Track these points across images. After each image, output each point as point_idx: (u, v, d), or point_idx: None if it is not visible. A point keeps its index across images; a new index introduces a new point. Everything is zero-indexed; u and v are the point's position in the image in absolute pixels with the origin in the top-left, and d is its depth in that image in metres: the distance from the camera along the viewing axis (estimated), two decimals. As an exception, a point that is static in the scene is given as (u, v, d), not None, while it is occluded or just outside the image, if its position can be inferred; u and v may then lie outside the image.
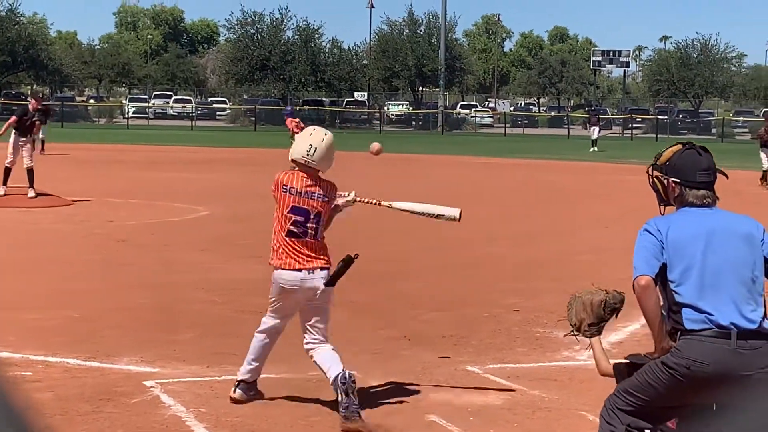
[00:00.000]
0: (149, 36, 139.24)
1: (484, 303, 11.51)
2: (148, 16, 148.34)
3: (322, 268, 7.29)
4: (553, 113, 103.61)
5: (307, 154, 7.27)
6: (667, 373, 5.22)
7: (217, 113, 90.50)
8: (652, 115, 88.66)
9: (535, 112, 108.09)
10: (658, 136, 75.69)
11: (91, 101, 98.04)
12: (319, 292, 7.29)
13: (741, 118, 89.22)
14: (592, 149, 52.19)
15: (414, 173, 34.24)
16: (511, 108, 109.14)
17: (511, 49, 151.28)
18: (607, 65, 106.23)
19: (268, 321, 7.62)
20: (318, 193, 7.31)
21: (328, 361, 7.24)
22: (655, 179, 5.63)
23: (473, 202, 24.18)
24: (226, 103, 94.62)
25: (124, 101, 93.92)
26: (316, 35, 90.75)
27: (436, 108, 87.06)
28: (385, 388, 7.96)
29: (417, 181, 31.07)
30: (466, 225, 18.84)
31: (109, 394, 7.63)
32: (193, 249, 15.44)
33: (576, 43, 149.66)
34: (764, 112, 43.22)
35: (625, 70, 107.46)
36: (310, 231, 7.27)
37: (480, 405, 7.58)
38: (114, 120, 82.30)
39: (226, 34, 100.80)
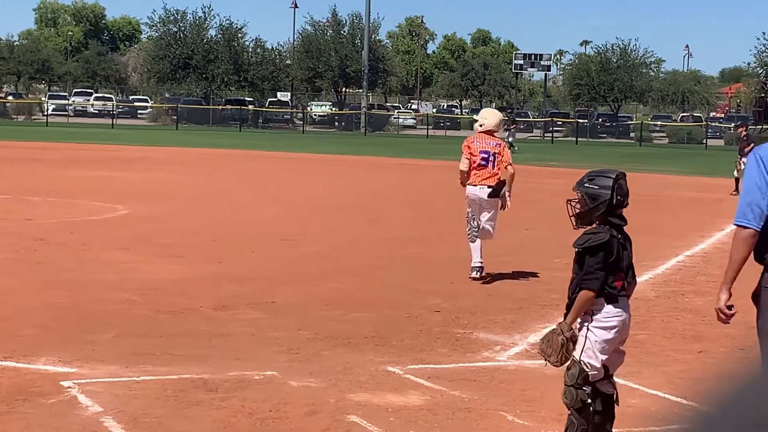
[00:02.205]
0: (70, 33, 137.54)
1: (405, 304, 11.55)
2: (69, 13, 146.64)
3: (488, 186, 12.96)
4: (475, 116, 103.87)
5: (497, 126, 13.41)
6: None
7: (139, 112, 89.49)
8: (572, 118, 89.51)
9: (457, 114, 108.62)
10: (578, 139, 76.59)
11: (10, 98, 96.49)
12: (484, 200, 12.99)
13: (659, 123, 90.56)
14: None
15: (335, 174, 34.23)
16: (434, 110, 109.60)
17: (434, 51, 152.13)
18: (528, 69, 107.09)
19: (469, 223, 13.19)
20: (494, 143, 13.07)
21: (474, 252, 13.03)
22: None
23: (393, 202, 24.27)
24: (148, 102, 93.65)
25: (43, 98, 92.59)
26: (240, 34, 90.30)
27: (359, 109, 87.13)
28: (305, 388, 7.95)
29: (337, 181, 31.08)
30: (388, 226, 18.96)
31: (25, 395, 7.53)
32: (113, 248, 15.28)
33: (498, 47, 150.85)
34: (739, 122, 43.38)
35: (546, 74, 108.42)
36: (490, 163, 12.86)
37: (400, 405, 7.60)
38: (33, 117, 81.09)
39: (148, 32, 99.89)
